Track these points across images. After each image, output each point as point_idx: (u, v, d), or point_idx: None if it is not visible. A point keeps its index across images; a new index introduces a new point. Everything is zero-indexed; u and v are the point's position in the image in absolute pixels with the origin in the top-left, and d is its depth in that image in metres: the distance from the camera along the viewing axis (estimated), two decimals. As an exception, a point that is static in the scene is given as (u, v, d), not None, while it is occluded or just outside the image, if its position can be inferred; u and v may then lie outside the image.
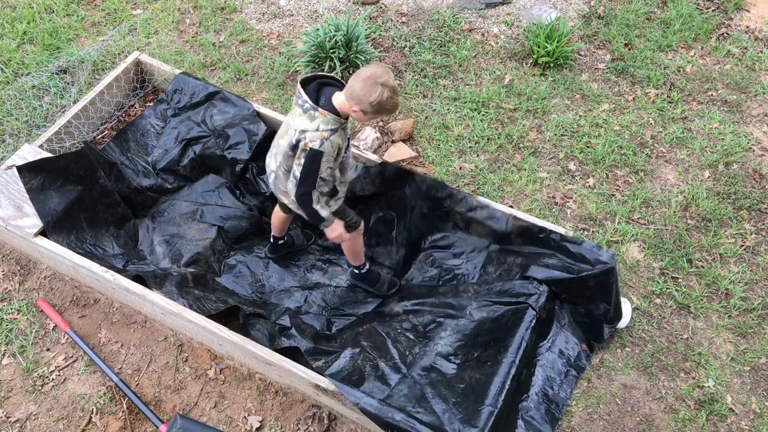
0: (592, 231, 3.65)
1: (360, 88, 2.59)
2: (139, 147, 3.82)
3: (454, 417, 2.73)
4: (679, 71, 4.46)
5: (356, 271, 3.37)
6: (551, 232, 3.25)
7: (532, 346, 3.04)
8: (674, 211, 3.73)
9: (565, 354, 3.15)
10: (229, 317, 3.15)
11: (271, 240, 3.48)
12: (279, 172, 2.91)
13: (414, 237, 3.55)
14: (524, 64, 4.46)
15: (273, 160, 2.95)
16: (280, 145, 2.86)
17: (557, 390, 3.06)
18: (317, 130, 2.67)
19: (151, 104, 4.05)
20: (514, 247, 3.36)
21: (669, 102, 4.29)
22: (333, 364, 2.96)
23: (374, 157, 3.56)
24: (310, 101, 2.67)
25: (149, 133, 3.88)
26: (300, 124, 2.70)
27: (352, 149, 3.56)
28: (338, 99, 2.69)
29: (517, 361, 2.88)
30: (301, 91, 2.70)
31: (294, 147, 2.75)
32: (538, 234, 3.28)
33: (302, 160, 2.72)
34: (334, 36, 4.17)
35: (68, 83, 4.17)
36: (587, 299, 3.17)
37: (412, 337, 3.12)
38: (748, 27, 4.74)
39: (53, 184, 3.28)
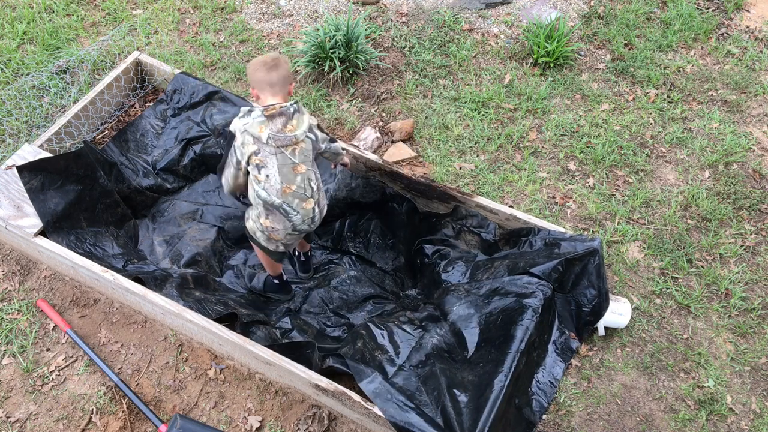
0: (592, 231, 3.65)
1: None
2: (138, 147, 3.83)
3: (448, 409, 2.74)
4: (679, 71, 4.46)
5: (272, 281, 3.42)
6: (538, 230, 3.29)
7: (529, 341, 3.04)
8: (674, 211, 3.73)
9: (556, 343, 3.15)
10: (232, 315, 3.15)
11: (302, 258, 3.50)
12: (318, 192, 2.97)
13: (408, 244, 3.56)
14: (524, 64, 4.46)
15: (305, 202, 2.91)
16: (303, 178, 2.87)
17: (545, 379, 3.07)
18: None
19: (151, 104, 4.05)
20: (501, 254, 3.38)
21: (669, 102, 4.29)
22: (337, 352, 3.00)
23: (374, 157, 3.56)
24: (291, 102, 2.81)
25: (149, 133, 3.88)
26: (304, 124, 2.82)
27: (352, 149, 3.57)
28: (271, 100, 2.84)
29: (516, 358, 2.88)
30: (279, 106, 2.77)
31: (315, 141, 2.90)
32: (524, 236, 3.31)
33: (333, 144, 3.05)
34: (334, 36, 4.17)
35: (68, 83, 4.17)
36: (573, 284, 3.18)
37: (408, 330, 3.12)
38: (748, 27, 4.74)
39: (53, 184, 3.27)
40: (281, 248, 3.05)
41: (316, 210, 2.96)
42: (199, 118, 3.81)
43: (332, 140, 3.15)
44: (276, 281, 3.36)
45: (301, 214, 2.91)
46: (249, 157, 2.77)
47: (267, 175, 2.79)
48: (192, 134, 3.78)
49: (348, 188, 3.59)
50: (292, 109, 2.76)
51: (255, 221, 2.98)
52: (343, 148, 3.58)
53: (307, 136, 2.82)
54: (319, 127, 3.02)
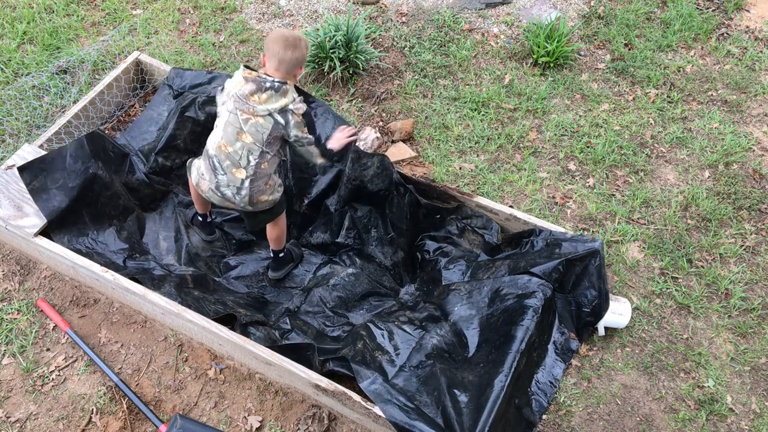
0: (592, 231, 3.65)
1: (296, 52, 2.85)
2: (143, 138, 3.77)
3: (448, 409, 2.74)
4: (679, 71, 4.46)
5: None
6: (539, 231, 3.30)
7: (530, 341, 3.04)
8: (674, 211, 3.73)
9: (556, 343, 3.16)
10: (232, 316, 3.15)
11: (273, 254, 3.47)
12: (256, 172, 2.95)
13: (410, 240, 3.55)
14: (524, 64, 4.46)
15: (237, 170, 2.93)
16: (244, 147, 2.88)
17: (545, 379, 3.07)
18: (294, 99, 2.88)
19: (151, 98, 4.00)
20: (502, 254, 3.37)
21: (669, 102, 4.29)
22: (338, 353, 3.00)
23: (374, 157, 3.56)
24: (276, 79, 2.82)
25: (153, 122, 3.82)
26: (272, 104, 2.82)
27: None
28: (270, 71, 2.86)
29: (517, 358, 2.88)
30: (264, 75, 2.82)
31: (283, 126, 2.87)
32: (526, 237, 3.32)
33: (303, 127, 2.94)
34: (334, 36, 4.17)
35: (68, 83, 4.17)
36: (573, 284, 3.18)
37: (408, 330, 3.12)
38: (748, 27, 4.74)
39: (55, 182, 3.27)
40: (204, 196, 3.16)
41: (246, 184, 2.96)
42: (197, 93, 3.74)
43: (318, 142, 3.07)
44: (200, 218, 3.52)
45: (228, 177, 2.96)
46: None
47: (216, 125, 2.96)
48: (186, 102, 3.67)
49: (362, 167, 3.46)
50: (268, 84, 2.79)
51: (199, 159, 3.11)
52: (354, 142, 3.50)
53: (270, 116, 2.83)
54: (306, 123, 2.97)
